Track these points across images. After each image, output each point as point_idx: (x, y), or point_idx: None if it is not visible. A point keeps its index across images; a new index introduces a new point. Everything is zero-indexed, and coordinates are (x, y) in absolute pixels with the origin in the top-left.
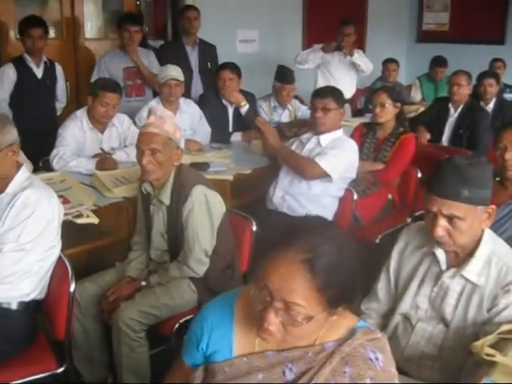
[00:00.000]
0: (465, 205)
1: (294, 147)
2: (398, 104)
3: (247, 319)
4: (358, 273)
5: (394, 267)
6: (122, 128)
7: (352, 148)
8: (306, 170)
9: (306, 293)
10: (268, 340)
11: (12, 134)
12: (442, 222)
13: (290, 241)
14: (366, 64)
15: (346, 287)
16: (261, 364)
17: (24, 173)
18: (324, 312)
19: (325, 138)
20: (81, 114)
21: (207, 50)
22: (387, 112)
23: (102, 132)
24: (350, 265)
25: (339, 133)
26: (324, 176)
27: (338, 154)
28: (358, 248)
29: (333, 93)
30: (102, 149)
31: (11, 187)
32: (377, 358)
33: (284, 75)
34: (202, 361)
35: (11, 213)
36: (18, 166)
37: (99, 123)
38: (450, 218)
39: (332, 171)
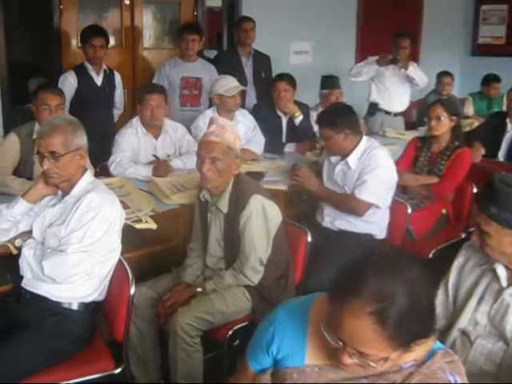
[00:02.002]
0: (492, 222)
1: (325, 167)
2: (454, 117)
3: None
4: (434, 311)
5: (452, 283)
6: (175, 136)
7: (382, 159)
8: (353, 209)
9: (377, 343)
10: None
11: (82, 139)
12: (476, 230)
13: (358, 287)
14: (421, 77)
15: (420, 331)
16: (333, 376)
17: (88, 177)
18: (398, 351)
19: (352, 160)
20: (136, 121)
21: (261, 61)
22: (443, 125)
23: (156, 138)
24: (424, 308)
25: (361, 147)
26: (372, 206)
27: (374, 178)
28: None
29: (327, 120)
30: (154, 155)
31: (76, 190)
32: (456, 381)
33: (330, 82)
34: (269, 364)
35: (76, 215)
36: (84, 170)
37: (152, 127)
38: (480, 230)
39: (377, 200)
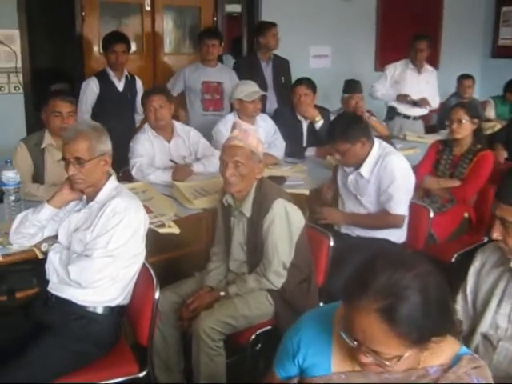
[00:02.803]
0: None
1: (339, 175)
2: (476, 120)
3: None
4: (450, 307)
5: (471, 288)
6: (188, 140)
7: (398, 166)
8: (391, 225)
9: (387, 341)
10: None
11: (106, 145)
12: (497, 225)
13: (367, 283)
14: (435, 103)
15: (433, 328)
16: (360, 382)
17: (113, 182)
18: (412, 349)
19: (364, 170)
20: (147, 126)
21: (281, 65)
22: (464, 128)
23: (168, 141)
24: (435, 305)
25: (373, 154)
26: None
27: (399, 189)
28: (445, 282)
29: (341, 133)
30: (172, 160)
31: (101, 195)
32: None
33: (350, 86)
34: (296, 373)
35: (101, 220)
36: (108, 175)
37: (162, 131)
38: (503, 221)
39: (406, 210)
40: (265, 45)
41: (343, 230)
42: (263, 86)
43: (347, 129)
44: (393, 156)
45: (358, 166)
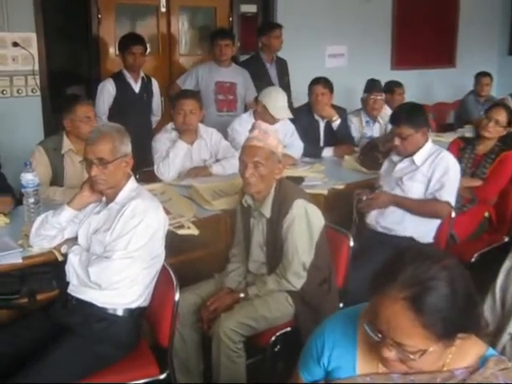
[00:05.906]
0: None
1: (384, 168)
2: (508, 127)
3: (371, 338)
4: (476, 302)
5: (500, 286)
6: (210, 141)
7: (454, 162)
8: (436, 212)
9: (412, 331)
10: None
11: (128, 147)
12: None
13: (395, 273)
14: None
15: (459, 322)
16: None
17: (132, 183)
18: (437, 344)
19: (418, 158)
20: (170, 127)
21: (282, 65)
22: (498, 130)
23: (191, 143)
24: (462, 297)
25: (429, 146)
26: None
27: (451, 179)
28: (470, 277)
29: (407, 118)
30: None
31: (120, 197)
32: None
33: (370, 85)
34: (321, 376)
35: (120, 221)
36: (128, 177)
37: (186, 133)
38: None
39: (453, 201)
40: (267, 46)
41: (368, 221)
42: (270, 86)
43: (413, 115)
44: (448, 153)
45: (410, 155)
